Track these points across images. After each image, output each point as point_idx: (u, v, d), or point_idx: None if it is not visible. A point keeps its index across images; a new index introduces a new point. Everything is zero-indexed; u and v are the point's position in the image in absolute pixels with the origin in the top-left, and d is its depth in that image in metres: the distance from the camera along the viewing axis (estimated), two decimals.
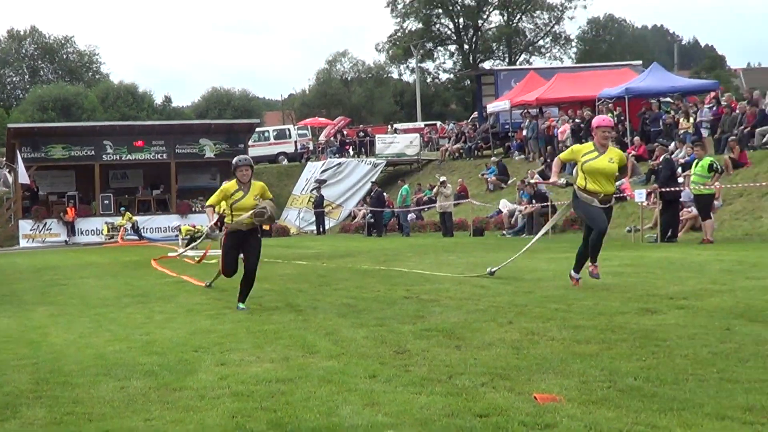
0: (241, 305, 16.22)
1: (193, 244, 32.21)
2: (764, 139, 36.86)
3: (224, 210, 16.95)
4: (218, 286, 19.80)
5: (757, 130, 38.94)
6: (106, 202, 61.31)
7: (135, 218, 58.30)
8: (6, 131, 66.89)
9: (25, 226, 59.75)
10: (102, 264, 32.15)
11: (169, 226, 56.40)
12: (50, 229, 59.27)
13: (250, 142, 67.74)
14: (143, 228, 58.13)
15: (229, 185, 16.64)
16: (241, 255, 16.93)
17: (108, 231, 57.69)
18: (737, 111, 41.51)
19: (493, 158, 56.63)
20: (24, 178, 56.99)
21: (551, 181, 17.93)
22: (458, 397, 8.19)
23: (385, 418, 7.58)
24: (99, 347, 12.36)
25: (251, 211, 16.10)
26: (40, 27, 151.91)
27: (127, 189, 63.80)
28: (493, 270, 16.82)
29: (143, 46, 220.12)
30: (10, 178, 64.27)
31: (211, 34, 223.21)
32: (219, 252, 31.07)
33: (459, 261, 25.51)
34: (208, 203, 17.34)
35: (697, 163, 30.26)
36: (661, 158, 33.69)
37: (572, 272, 17.44)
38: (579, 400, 7.83)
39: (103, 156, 62.66)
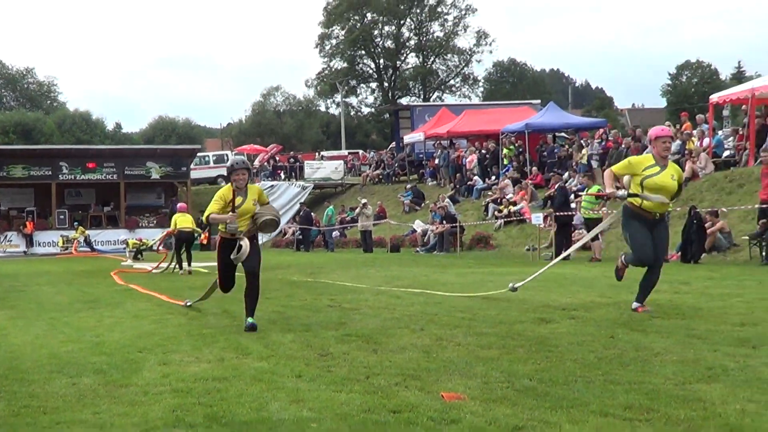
0: (250, 320, 13.71)
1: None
2: None
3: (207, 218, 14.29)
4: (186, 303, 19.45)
5: None
6: (62, 217, 60.96)
7: (87, 232, 58.03)
8: None
9: None
10: (57, 273, 31.86)
11: (117, 240, 56.09)
12: (11, 240, 58.72)
13: (192, 166, 67.26)
14: (95, 241, 57.78)
15: (226, 191, 14.31)
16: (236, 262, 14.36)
17: (63, 243, 57.26)
18: (623, 145, 42.04)
19: (408, 184, 56.75)
20: None
21: (608, 192, 14.56)
22: (374, 395, 8.22)
23: (310, 413, 7.59)
24: (53, 347, 12.25)
25: (262, 219, 14.26)
26: (3, 59, 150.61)
27: (81, 206, 63.36)
28: (515, 286, 15.37)
29: (97, 77, 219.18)
30: None
31: (158, 67, 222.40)
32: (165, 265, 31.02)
33: (377, 274, 25.56)
34: (208, 213, 14.24)
35: (587, 191, 30.63)
36: (556, 186, 33.94)
37: (635, 303, 14.34)
38: (481, 399, 7.88)
39: (60, 176, 62.30)
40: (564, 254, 21.97)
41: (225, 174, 73.66)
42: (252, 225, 14.36)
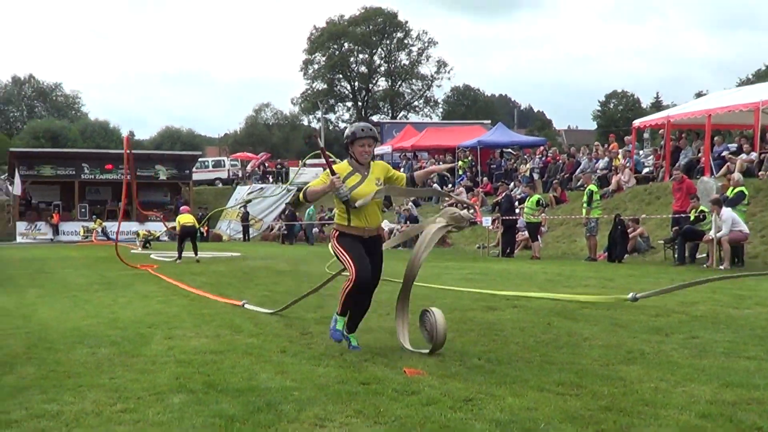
0: (353, 342, 9.56)
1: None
2: (578, 183, 37.38)
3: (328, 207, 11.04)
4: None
5: (574, 175, 39.59)
6: (83, 210, 60.82)
7: (104, 223, 57.76)
8: (8, 154, 66.54)
9: (21, 226, 58.81)
10: (78, 258, 31.75)
11: (130, 231, 55.84)
12: (40, 229, 58.44)
13: (194, 169, 67.24)
14: (110, 231, 57.51)
15: (342, 167, 9.69)
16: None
17: (84, 232, 57.02)
18: (560, 161, 42.36)
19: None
20: (18, 189, 56.58)
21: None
22: (347, 369, 8.24)
23: (292, 383, 7.61)
24: (75, 322, 12.27)
25: (452, 215, 9.89)
26: (36, 74, 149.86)
27: (99, 201, 63.13)
28: (637, 296, 13.33)
29: (114, 91, 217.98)
30: (11, 189, 63.39)
31: (164, 84, 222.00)
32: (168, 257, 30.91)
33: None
34: (311, 186, 9.62)
35: (529, 199, 30.82)
36: (503, 194, 34.01)
37: None
38: (437, 374, 7.90)
39: (82, 175, 62.26)
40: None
41: (223, 178, 74.25)
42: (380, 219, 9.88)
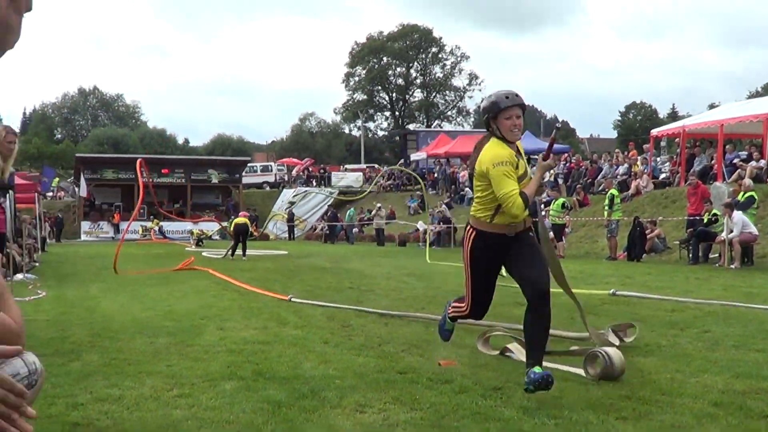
0: (537, 370, 6.42)
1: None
2: (600, 187, 37.33)
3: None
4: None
5: (596, 180, 39.47)
6: (142, 211, 61.14)
7: (161, 223, 58.11)
8: (74, 159, 67.48)
9: (85, 225, 59.35)
10: (137, 255, 31.93)
11: (184, 230, 56.00)
12: (102, 228, 58.89)
13: (243, 173, 67.53)
14: (167, 230, 57.82)
15: (501, 151, 6.75)
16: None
17: (143, 231, 57.35)
18: (583, 167, 42.28)
19: (417, 192, 56.62)
20: (84, 191, 57.05)
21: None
22: (385, 359, 8.27)
23: (334, 372, 7.64)
24: (135, 313, 12.37)
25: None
26: (100, 86, 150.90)
27: (157, 202, 63.68)
28: (616, 293, 11.06)
29: (170, 102, 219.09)
30: (78, 191, 63.93)
31: (216, 94, 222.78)
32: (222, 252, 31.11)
33: (388, 263, 25.57)
34: (511, 191, 6.58)
35: (554, 202, 30.78)
36: None
37: None
38: (469, 365, 7.92)
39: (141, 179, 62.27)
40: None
41: (270, 181, 74.71)
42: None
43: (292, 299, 14.14)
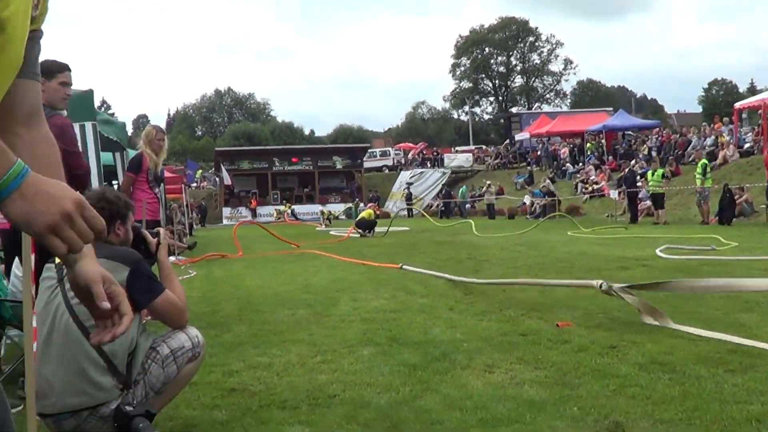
0: None
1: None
2: (690, 158, 36.91)
3: None
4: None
5: (686, 152, 39.01)
6: (275, 196, 62.22)
7: (293, 206, 58.87)
8: (214, 153, 69.47)
9: (226, 211, 60.62)
10: (272, 236, 32.35)
11: (313, 211, 56.57)
12: (241, 213, 59.89)
13: (364, 158, 68.00)
14: (298, 213, 58.50)
15: None
16: None
17: (276, 214, 58.13)
18: (673, 140, 41.76)
19: (525, 169, 56.20)
20: (227, 180, 57.98)
21: None
22: (507, 323, 8.17)
23: (461, 336, 7.57)
24: (275, 288, 12.49)
25: None
26: (233, 87, 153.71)
27: (288, 188, 64.38)
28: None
29: (297, 98, 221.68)
30: (218, 181, 65.10)
31: (337, 88, 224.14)
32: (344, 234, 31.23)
33: (499, 235, 25.41)
34: None
35: (653, 173, 30.53)
36: (626, 170, 33.67)
37: None
38: (585, 325, 7.78)
39: (273, 168, 63.66)
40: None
41: (389, 165, 74.94)
42: None
43: (403, 267, 14.29)
